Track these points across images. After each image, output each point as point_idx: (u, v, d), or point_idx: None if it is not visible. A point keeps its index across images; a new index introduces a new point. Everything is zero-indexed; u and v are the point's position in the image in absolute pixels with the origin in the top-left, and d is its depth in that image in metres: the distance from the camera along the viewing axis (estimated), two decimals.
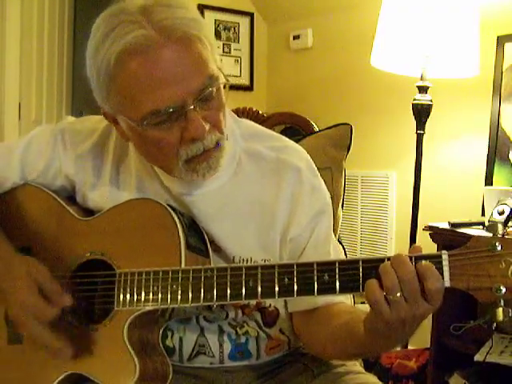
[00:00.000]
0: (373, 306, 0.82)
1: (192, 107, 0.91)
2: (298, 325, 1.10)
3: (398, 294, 0.80)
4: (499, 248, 0.79)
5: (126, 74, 0.90)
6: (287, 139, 1.16)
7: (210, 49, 0.94)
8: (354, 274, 0.84)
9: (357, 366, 1.17)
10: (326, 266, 0.86)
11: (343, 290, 0.85)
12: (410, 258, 0.82)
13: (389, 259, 0.83)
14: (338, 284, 0.85)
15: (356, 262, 0.84)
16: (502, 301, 0.78)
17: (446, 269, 0.80)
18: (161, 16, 0.90)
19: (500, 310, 0.78)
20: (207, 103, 0.94)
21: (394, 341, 0.89)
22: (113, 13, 0.93)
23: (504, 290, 0.78)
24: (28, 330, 0.97)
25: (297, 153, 1.12)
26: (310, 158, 1.14)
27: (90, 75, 0.96)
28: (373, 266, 0.83)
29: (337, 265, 0.85)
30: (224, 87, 0.97)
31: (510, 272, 0.78)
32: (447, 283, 0.81)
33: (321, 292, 0.86)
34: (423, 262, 0.81)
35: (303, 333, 1.10)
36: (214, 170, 0.99)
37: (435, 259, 0.81)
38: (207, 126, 0.94)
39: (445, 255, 0.81)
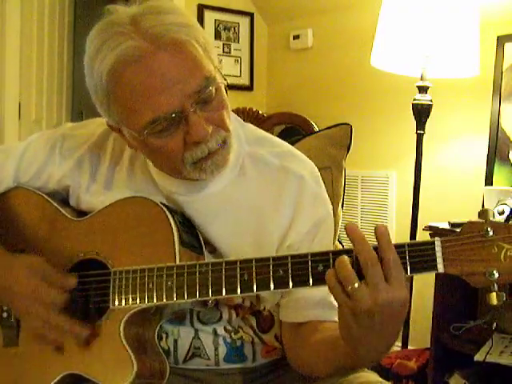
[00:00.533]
0: (333, 295, 0.82)
1: (192, 110, 0.91)
2: (285, 337, 1.09)
3: (356, 285, 0.79)
4: (491, 233, 0.80)
5: (120, 86, 0.91)
6: (292, 147, 1.15)
7: (203, 51, 0.94)
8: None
9: None
10: (320, 257, 0.86)
11: None
12: (403, 245, 0.82)
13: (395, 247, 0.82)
14: None
15: (350, 251, 0.84)
16: (495, 285, 0.79)
17: (439, 255, 0.81)
18: (149, 24, 0.90)
19: (494, 294, 0.79)
20: (208, 104, 0.94)
21: (374, 345, 0.86)
22: (104, 26, 0.93)
23: (497, 274, 0.79)
24: (43, 320, 0.97)
25: (301, 161, 1.11)
26: (315, 167, 1.13)
27: (89, 88, 0.97)
28: None
29: (330, 255, 0.85)
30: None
31: (502, 256, 0.79)
32: (441, 269, 0.81)
33: (316, 282, 0.85)
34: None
35: (289, 346, 1.08)
36: (221, 167, 0.99)
37: (428, 246, 0.82)
38: (210, 128, 0.94)
39: (438, 241, 0.82)
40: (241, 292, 0.90)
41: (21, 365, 1.04)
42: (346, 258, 0.81)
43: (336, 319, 0.89)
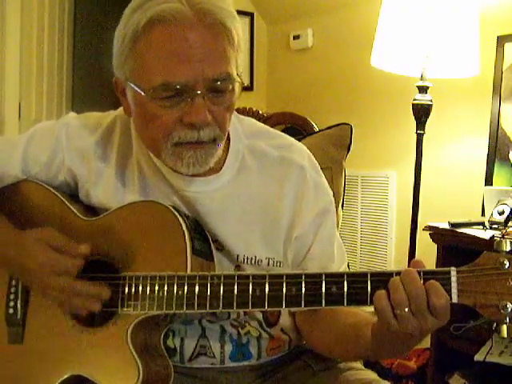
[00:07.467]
0: (380, 316, 0.83)
1: (201, 93, 0.92)
2: (301, 324, 1.10)
3: (406, 309, 0.80)
4: (507, 266, 0.79)
5: (150, 39, 0.92)
6: (290, 137, 1.16)
7: (235, 51, 0.95)
8: (362, 287, 0.84)
9: (357, 362, 1.18)
10: (335, 278, 0.86)
11: (351, 303, 0.85)
12: (419, 272, 0.82)
13: (398, 274, 0.83)
14: (345, 296, 0.85)
15: (365, 275, 0.84)
16: (507, 318, 0.79)
17: (454, 285, 0.81)
18: None
19: (504, 327, 0.79)
20: (217, 97, 0.95)
21: (399, 350, 0.89)
22: None
23: (510, 307, 0.78)
24: (59, 288, 0.96)
25: (300, 151, 1.13)
26: (312, 156, 1.14)
27: (116, 38, 0.97)
28: (381, 280, 0.84)
29: (345, 277, 0.85)
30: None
31: None
32: (455, 300, 0.82)
33: (328, 304, 0.85)
34: (431, 280, 0.81)
35: (307, 332, 1.10)
36: (200, 166, 0.98)
37: (443, 275, 0.82)
38: (209, 118, 0.94)
39: (453, 271, 0.82)
40: (252, 307, 0.89)
41: (25, 363, 1.03)
42: (399, 281, 0.81)
43: None
